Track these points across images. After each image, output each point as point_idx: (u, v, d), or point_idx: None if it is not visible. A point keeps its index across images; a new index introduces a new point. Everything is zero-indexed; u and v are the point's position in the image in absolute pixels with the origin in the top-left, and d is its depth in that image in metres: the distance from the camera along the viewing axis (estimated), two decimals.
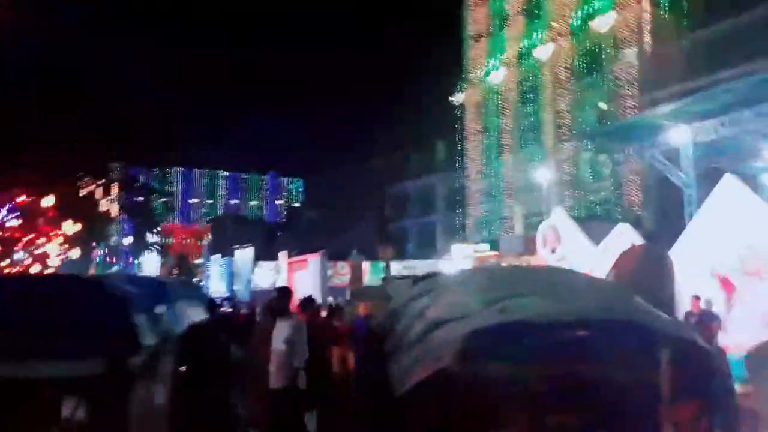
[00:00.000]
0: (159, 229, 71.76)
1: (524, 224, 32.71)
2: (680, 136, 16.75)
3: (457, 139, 39.16)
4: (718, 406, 1.83)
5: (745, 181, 17.34)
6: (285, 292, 7.00)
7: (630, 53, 28.20)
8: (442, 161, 43.23)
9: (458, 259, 30.77)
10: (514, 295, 1.88)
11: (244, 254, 39.36)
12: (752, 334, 10.78)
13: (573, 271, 2.54)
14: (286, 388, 6.04)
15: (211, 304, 7.64)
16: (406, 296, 2.04)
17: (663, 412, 1.78)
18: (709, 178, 16.09)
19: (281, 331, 6.23)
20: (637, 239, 12.67)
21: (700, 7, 25.29)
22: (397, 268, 26.86)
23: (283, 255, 30.36)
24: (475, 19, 38.09)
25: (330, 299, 22.35)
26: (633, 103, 27.57)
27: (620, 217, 26.20)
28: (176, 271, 30.79)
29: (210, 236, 65.52)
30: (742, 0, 21.72)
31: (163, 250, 67.29)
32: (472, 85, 37.92)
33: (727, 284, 11.20)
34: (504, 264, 22.87)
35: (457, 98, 38.70)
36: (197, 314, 5.50)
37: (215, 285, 41.11)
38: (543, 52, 32.78)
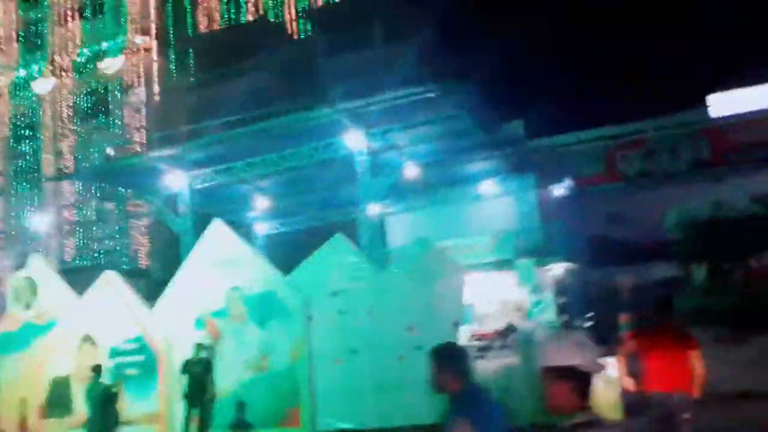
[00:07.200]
0: None
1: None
2: (178, 181, 16.72)
3: None
4: None
5: (241, 229, 18.44)
6: None
7: (138, 99, 27.73)
8: None
9: None
10: None
11: None
12: (236, 378, 10.95)
13: None
14: None
15: None
16: None
17: None
18: (205, 225, 16.41)
19: None
20: (125, 288, 11.60)
21: (202, 63, 26.77)
22: None
23: None
24: None
25: None
26: (141, 150, 26.96)
27: (126, 266, 24.96)
28: None
29: None
30: (235, 58, 23.70)
31: None
32: None
33: (213, 328, 11.16)
34: None
35: None
36: None
37: None
38: (42, 86, 29.43)
